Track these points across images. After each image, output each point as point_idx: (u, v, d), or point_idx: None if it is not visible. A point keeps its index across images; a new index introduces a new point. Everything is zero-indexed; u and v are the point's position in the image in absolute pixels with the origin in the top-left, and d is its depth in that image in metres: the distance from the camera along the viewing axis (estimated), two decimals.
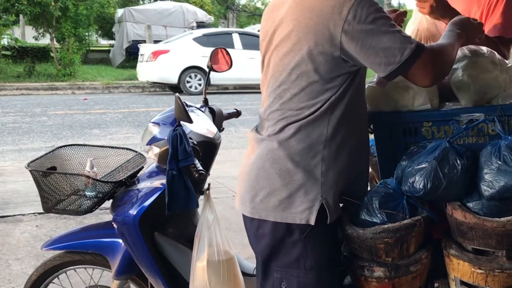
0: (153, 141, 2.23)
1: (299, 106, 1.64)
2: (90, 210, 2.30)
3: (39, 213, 4.64)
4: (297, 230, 1.65)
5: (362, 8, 1.53)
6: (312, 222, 1.62)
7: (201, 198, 2.26)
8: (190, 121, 2.03)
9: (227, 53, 2.64)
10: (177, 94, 2.03)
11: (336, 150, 1.66)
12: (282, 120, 1.67)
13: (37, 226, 4.45)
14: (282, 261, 1.70)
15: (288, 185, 1.64)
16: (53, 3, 15.79)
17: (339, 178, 1.67)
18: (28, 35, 26.05)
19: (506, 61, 1.92)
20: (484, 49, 1.91)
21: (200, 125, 2.30)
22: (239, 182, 1.79)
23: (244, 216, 1.78)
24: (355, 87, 1.67)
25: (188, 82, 14.33)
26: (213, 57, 2.58)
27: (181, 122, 2.05)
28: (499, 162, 1.62)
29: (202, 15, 22.51)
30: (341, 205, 1.75)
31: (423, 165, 1.68)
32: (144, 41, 17.70)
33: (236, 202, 1.80)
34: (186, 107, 2.04)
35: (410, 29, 2.26)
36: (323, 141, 1.64)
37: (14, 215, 4.69)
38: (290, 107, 1.66)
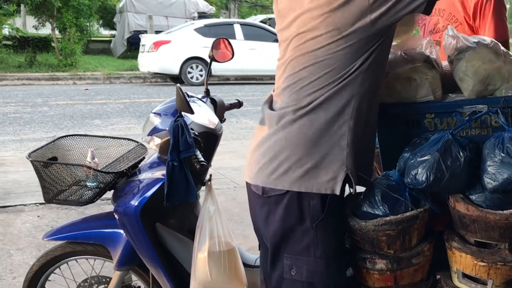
0: (154, 131, 2.22)
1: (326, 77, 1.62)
2: (91, 200, 2.30)
3: (40, 204, 4.64)
4: (308, 216, 1.65)
5: None
6: (338, 192, 1.62)
7: (203, 189, 2.26)
8: (192, 111, 2.02)
9: (229, 43, 2.62)
10: (178, 84, 2.02)
11: (360, 123, 1.64)
12: (305, 90, 1.64)
13: (38, 216, 4.46)
14: (293, 248, 1.69)
15: (314, 155, 1.62)
16: None
17: (360, 151, 1.66)
18: (29, 25, 26.00)
19: (510, 52, 1.91)
20: (488, 39, 1.90)
21: (202, 115, 2.29)
22: (254, 156, 1.74)
23: (253, 195, 1.75)
24: (379, 61, 1.67)
25: (189, 72, 14.30)
26: (215, 47, 2.56)
27: (183, 113, 2.04)
28: (503, 154, 1.61)
29: (204, 6, 22.44)
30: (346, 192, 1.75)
31: (426, 157, 1.67)
32: (146, 32, 17.64)
33: (250, 177, 1.75)
34: (187, 97, 2.03)
35: None
36: (350, 112, 1.62)
37: (16, 205, 4.69)
38: (317, 76, 1.62)
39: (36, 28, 19.89)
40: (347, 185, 1.68)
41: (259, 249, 1.90)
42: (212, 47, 2.55)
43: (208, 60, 2.61)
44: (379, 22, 1.56)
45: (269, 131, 1.71)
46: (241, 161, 5.96)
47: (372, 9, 1.54)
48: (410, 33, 2.02)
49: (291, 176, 1.63)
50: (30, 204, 4.71)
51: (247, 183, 1.80)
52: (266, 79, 15.47)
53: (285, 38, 1.72)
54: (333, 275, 1.70)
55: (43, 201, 2.37)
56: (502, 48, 1.88)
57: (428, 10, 1.58)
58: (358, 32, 1.57)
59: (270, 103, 1.79)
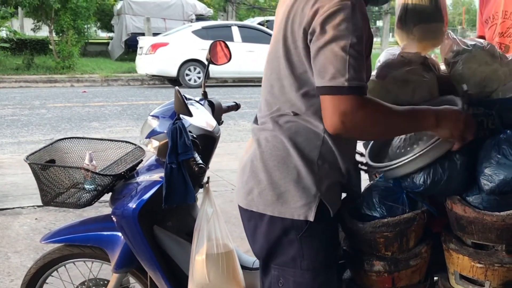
0: (152, 134, 2.22)
1: (296, 97, 1.57)
2: (89, 203, 2.30)
3: (38, 206, 4.64)
4: (293, 228, 1.61)
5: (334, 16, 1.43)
6: (311, 218, 1.58)
7: (201, 191, 2.26)
8: (190, 114, 2.02)
9: (226, 45, 2.63)
10: (176, 87, 2.02)
11: (334, 143, 1.60)
12: (280, 110, 1.61)
13: (36, 219, 4.45)
14: (279, 259, 1.66)
15: (286, 179, 1.59)
16: None
17: (336, 169, 1.63)
18: (26, 27, 25.97)
19: (507, 55, 1.92)
20: (484, 42, 1.91)
21: (200, 118, 2.29)
22: (238, 174, 1.75)
23: (241, 210, 1.74)
24: None
25: (187, 75, 14.30)
26: (212, 50, 2.57)
27: (181, 116, 2.04)
28: (499, 156, 1.62)
29: (201, 8, 22.45)
30: (343, 195, 1.74)
31: None
32: (143, 34, 17.65)
33: (236, 193, 1.76)
34: (185, 100, 2.03)
35: None
36: (321, 132, 1.58)
37: (13, 208, 4.69)
38: (288, 97, 1.59)
39: (34, 31, 19.86)
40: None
41: None
42: (210, 51, 2.55)
43: (206, 63, 2.61)
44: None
45: (249, 150, 1.71)
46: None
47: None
48: (437, 46, 2.00)
49: (264, 199, 1.62)
50: (27, 206, 4.71)
51: None
52: None
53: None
54: (321, 286, 1.66)
55: (41, 204, 2.37)
56: (498, 49, 1.89)
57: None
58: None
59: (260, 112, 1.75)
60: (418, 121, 1.56)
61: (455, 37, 1.90)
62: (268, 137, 1.63)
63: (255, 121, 1.75)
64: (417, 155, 1.62)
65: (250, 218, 1.70)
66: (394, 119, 1.53)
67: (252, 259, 2.42)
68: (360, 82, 1.43)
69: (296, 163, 1.58)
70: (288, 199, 1.59)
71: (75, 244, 2.41)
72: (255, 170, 1.64)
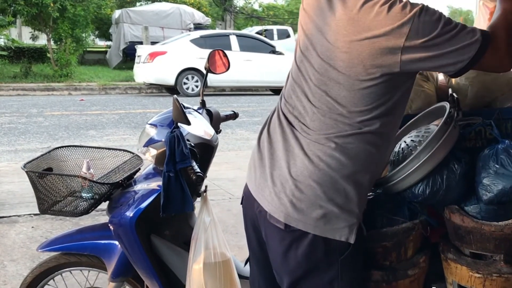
0: (150, 142, 2.22)
1: (360, 118, 1.52)
2: (86, 211, 2.29)
3: (35, 214, 4.62)
4: (336, 250, 1.55)
5: (424, 23, 1.44)
6: (352, 241, 1.53)
7: (198, 200, 2.26)
8: (188, 123, 2.02)
9: (225, 55, 2.63)
10: (174, 96, 2.02)
11: (379, 165, 1.61)
12: (340, 131, 1.54)
13: (32, 227, 4.43)
14: (314, 281, 1.58)
15: (335, 199, 1.53)
16: (52, 4, 15.76)
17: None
18: (24, 35, 26.01)
19: None
20: None
21: (198, 127, 2.29)
22: (273, 179, 1.60)
23: (270, 221, 1.60)
24: (405, 89, 1.59)
25: (185, 83, 14.32)
26: (211, 59, 2.57)
27: (179, 124, 2.04)
28: (497, 166, 1.62)
29: (200, 17, 22.53)
30: None
31: None
32: (141, 43, 17.70)
33: (269, 205, 1.60)
34: (183, 109, 2.03)
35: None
36: (379, 155, 1.57)
37: (10, 216, 4.67)
38: (352, 120, 1.53)
39: (33, 39, 19.90)
40: None
41: (246, 263, 1.87)
42: (208, 60, 2.56)
43: (204, 71, 2.61)
44: (407, 66, 1.47)
45: (291, 155, 1.59)
46: (236, 172, 5.96)
47: (404, 50, 1.45)
48: None
49: (308, 216, 1.53)
50: (24, 215, 4.69)
51: (259, 205, 1.64)
52: (262, 90, 15.53)
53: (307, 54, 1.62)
54: None
55: (38, 212, 2.36)
56: None
57: (455, 75, 1.54)
58: (384, 69, 1.48)
59: (285, 116, 1.67)
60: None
61: None
62: (321, 155, 1.53)
63: (294, 127, 1.62)
64: (416, 166, 1.63)
65: (285, 235, 1.58)
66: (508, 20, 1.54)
67: (249, 268, 2.41)
68: (478, 30, 1.48)
69: (347, 185, 1.53)
70: (332, 219, 1.53)
71: (71, 252, 2.40)
72: (300, 186, 1.54)
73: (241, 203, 1.80)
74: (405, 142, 1.80)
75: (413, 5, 1.45)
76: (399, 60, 1.45)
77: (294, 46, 1.73)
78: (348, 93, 1.51)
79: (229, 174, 5.87)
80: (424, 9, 1.45)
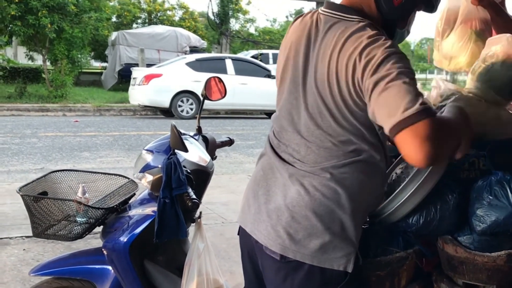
0: (146, 168, 2.23)
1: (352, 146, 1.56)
2: (80, 236, 2.29)
3: (27, 237, 4.58)
4: (332, 280, 1.55)
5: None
6: (350, 270, 1.54)
7: (192, 225, 2.26)
8: (186, 149, 2.04)
9: (221, 81, 2.66)
10: (173, 123, 2.04)
11: (377, 195, 1.65)
12: (333, 161, 1.56)
13: (24, 249, 4.40)
14: None
15: (331, 229, 1.53)
16: (49, 25, 15.84)
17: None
18: (20, 55, 26.07)
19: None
20: (470, 86, 1.95)
21: (194, 153, 2.31)
22: (267, 211, 1.61)
23: (265, 253, 1.61)
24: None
25: (179, 106, 14.34)
26: (207, 86, 2.60)
27: (176, 151, 2.06)
28: (490, 197, 1.63)
29: (196, 40, 22.68)
30: None
31: None
32: (137, 65, 17.75)
33: (263, 238, 1.61)
34: (181, 135, 2.05)
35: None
36: (375, 185, 1.61)
37: (1, 238, 4.63)
38: (344, 150, 1.56)
39: (32, 60, 19.95)
40: None
41: None
42: (205, 87, 2.58)
43: (199, 94, 2.64)
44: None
45: (288, 188, 1.60)
46: (230, 196, 5.95)
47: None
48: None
49: (305, 246, 1.54)
50: (16, 237, 4.65)
51: (254, 239, 1.66)
52: (256, 114, 15.59)
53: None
54: None
55: (30, 234, 2.36)
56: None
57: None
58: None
59: (276, 144, 1.69)
60: (466, 119, 1.56)
61: (440, 83, 1.95)
62: (317, 185, 1.55)
63: (290, 163, 1.63)
64: (404, 198, 1.64)
65: (281, 266, 1.58)
66: (457, 126, 1.51)
67: None
68: (429, 104, 1.41)
69: (343, 214, 1.54)
70: (330, 249, 1.54)
71: (64, 277, 2.39)
72: (296, 216, 1.55)
73: (238, 234, 1.80)
74: (396, 173, 1.82)
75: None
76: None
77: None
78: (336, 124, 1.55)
79: (222, 198, 5.86)
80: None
